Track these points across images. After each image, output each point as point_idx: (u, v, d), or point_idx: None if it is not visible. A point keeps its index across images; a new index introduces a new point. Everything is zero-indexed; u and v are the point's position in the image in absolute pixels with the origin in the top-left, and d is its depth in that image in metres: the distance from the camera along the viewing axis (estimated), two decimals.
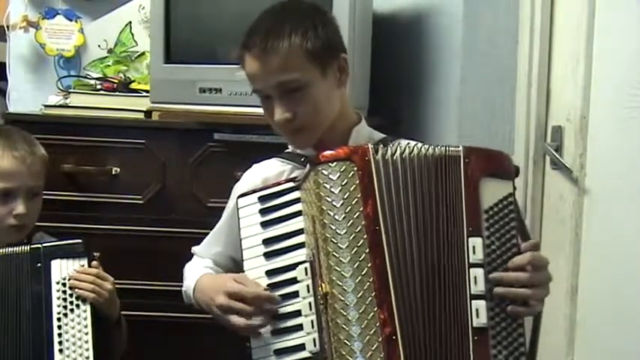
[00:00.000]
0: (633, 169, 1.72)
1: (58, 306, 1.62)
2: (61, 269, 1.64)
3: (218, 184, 2.08)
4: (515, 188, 1.38)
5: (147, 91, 2.25)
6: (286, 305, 1.40)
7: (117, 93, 2.31)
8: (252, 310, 1.40)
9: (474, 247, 1.33)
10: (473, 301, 1.31)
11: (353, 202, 1.33)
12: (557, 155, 1.90)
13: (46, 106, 2.26)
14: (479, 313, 1.31)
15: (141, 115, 2.18)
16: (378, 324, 1.29)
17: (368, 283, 1.30)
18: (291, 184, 1.45)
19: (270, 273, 1.43)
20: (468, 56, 2.02)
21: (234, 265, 1.60)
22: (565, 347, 1.87)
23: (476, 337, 1.30)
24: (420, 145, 1.40)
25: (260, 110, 2.07)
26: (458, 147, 1.37)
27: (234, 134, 2.10)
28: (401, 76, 2.34)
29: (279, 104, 1.47)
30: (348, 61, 1.52)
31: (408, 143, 1.44)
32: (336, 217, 1.33)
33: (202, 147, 2.11)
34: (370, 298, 1.29)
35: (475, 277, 1.32)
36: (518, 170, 1.42)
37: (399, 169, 1.35)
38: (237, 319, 1.41)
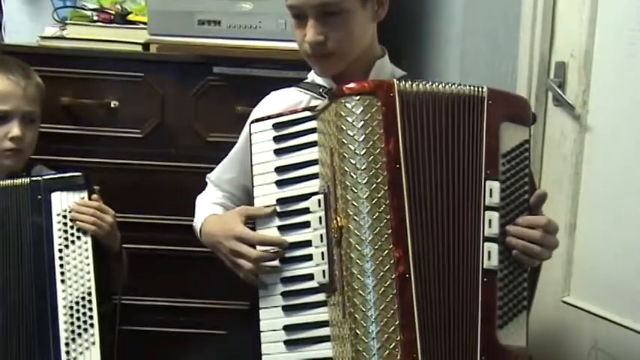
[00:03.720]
0: (636, 106, 1.70)
1: (59, 237, 1.63)
2: (62, 202, 1.65)
3: (218, 118, 2.07)
4: (530, 135, 1.37)
5: (144, 23, 2.21)
6: (296, 234, 1.40)
7: (114, 25, 2.27)
8: (258, 255, 1.41)
9: (490, 190, 1.33)
10: (485, 243, 1.32)
11: (375, 138, 1.31)
12: (559, 91, 1.88)
13: (42, 37, 2.22)
14: (490, 256, 1.32)
15: (139, 48, 2.14)
16: (392, 261, 1.28)
17: (385, 221, 1.29)
18: (307, 113, 1.43)
19: (281, 201, 1.43)
20: None
21: (247, 196, 1.60)
22: (562, 282, 1.89)
23: (485, 279, 1.32)
24: (443, 83, 1.38)
25: (260, 43, 2.08)
26: (482, 88, 1.36)
27: (233, 67, 2.07)
28: (403, 10, 2.30)
29: (314, 25, 1.47)
30: None
31: (430, 81, 1.41)
32: (357, 151, 1.31)
33: (202, 80, 2.09)
34: (386, 236, 1.29)
35: (490, 220, 1.33)
36: (535, 117, 1.42)
37: (423, 106, 1.33)
38: (245, 263, 1.42)
